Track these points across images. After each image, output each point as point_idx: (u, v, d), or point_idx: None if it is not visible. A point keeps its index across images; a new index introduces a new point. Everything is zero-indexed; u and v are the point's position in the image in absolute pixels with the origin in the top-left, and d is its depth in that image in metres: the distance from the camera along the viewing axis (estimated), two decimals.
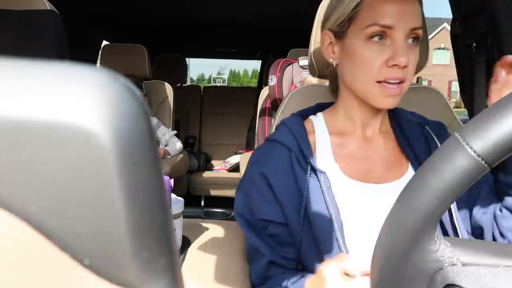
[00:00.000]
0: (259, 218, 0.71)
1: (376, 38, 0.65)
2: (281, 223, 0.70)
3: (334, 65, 0.73)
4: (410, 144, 0.74)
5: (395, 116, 0.78)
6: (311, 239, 0.67)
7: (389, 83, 0.65)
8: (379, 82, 0.65)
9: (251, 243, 0.74)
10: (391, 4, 0.63)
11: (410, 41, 0.65)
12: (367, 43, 0.65)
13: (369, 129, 0.75)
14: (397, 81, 0.65)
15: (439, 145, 0.74)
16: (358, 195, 0.69)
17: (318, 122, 0.77)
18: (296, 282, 0.66)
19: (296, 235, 0.68)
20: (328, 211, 0.66)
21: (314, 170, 0.68)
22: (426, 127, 0.76)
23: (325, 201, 0.66)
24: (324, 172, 0.68)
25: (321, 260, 0.66)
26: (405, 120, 0.77)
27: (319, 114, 0.79)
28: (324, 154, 0.72)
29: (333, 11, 0.70)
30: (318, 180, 0.67)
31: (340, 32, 0.69)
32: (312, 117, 0.79)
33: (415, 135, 0.75)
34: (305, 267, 0.70)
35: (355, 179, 0.70)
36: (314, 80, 1.64)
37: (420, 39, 0.67)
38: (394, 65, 0.64)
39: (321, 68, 0.92)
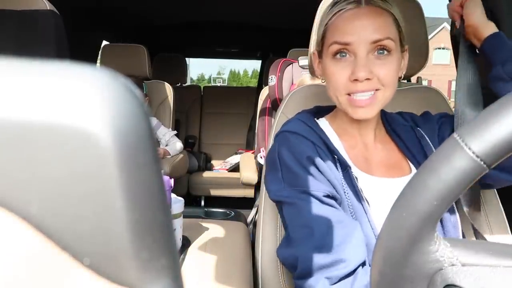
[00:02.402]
0: (304, 191, 0.67)
1: (338, 56, 0.69)
2: (336, 199, 0.68)
3: (322, 81, 0.79)
4: (408, 147, 0.78)
5: (389, 122, 0.82)
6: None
7: (356, 94, 0.69)
8: (348, 94, 0.69)
9: (303, 219, 0.65)
10: (350, 22, 0.68)
11: (376, 53, 0.68)
12: (333, 60, 0.70)
13: (364, 136, 0.79)
14: (365, 93, 0.68)
15: (431, 145, 0.78)
16: (376, 189, 0.72)
17: (324, 125, 0.80)
18: None
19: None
20: (361, 203, 0.69)
21: (341, 164, 0.71)
22: (418, 128, 0.80)
23: (357, 194, 0.69)
24: (351, 167, 0.71)
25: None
26: (398, 125, 0.81)
27: (322, 119, 0.82)
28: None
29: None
30: (349, 173, 0.71)
31: (320, 52, 0.75)
32: (317, 120, 0.81)
33: (410, 138, 0.79)
34: None
35: (370, 174, 0.74)
36: (308, 81, 1.64)
37: (390, 49, 0.68)
38: (356, 79, 0.67)
39: None
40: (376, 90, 0.68)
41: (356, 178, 0.71)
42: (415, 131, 0.80)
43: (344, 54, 0.69)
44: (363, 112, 0.69)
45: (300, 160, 0.70)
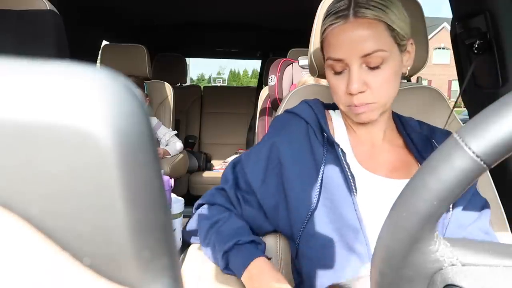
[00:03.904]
0: (243, 168, 0.80)
1: (335, 69, 0.71)
2: (252, 191, 0.78)
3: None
4: (420, 154, 0.78)
5: (404, 126, 0.82)
6: (326, 205, 0.72)
7: (355, 106, 0.71)
8: (348, 106, 0.72)
9: (225, 173, 0.82)
10: (338, 38, 0.68)
11: (360, 69, 0.68)
12: (331, 73, 0.72)
13: (372, 135, 0.79)
14: (363, 104, 0.70)
15: None
16: (378, 187, 0.73)
17: (336, 116, 0.83)
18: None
19: (309, 203, 0.72)
20: (346, 178, 0.71)
21: (330, 143, 0.75)
22: (433, 140, 0.79)
23: (343, 171, 0.72)
24: (339, 145, 0.74)
25: (336, 222, 0.70)
26: (414, 131, 0.81)
27: (338, 111, 0.84)
28: (341, 143, 0.77)
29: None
30: (336, 152, 0.74)
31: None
32: (330, 111, 0.85)
33: (424, 146, 0.78)
34: (308, 235, 0.72)
35: (368, 170, 0.75)
36: (311, 80, 1.64)
37: (382, 59, 0.67)
38: (350, 93, 0.69)
39: (321, 68, 0.92)
40: (371, 103, 0.70)
41: (345, 153, 0.74)
42: (431, 142, 0.79)
43: (339, 69, 0.70)
44: (365, 116, 0.72)
45: (264, 140, 0.79)
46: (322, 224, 0.71)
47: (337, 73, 0.71)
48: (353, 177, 0.71)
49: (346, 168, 0.72)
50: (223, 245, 0.73)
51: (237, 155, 3.27)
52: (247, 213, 0.79)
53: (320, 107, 0.81)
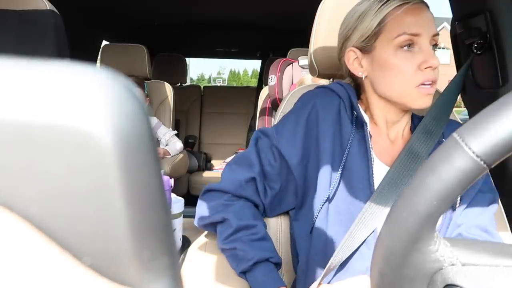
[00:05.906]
0: (273, 144, 0.78)
1: (406, 47, 0.71)
2: (284, 170, 0.77)
3: (363, 78, 0.78)
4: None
5: (415, 124, 0.83)
6: (346, 184, 0.73)
7: (424, 84, 0.71)
8: (417, 86, 0.71)
9: (248, 153, 0.80)
10: (414, 15, 0.70)
11: (431, 47, 0.71)
12: (397, 52, 0.71)
13: (393, 130, 0.80)
14: (431, 82, 0.71)
15: None
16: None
17: (360, 109, 0.83)
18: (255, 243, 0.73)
19: (332, 179, 0.74)
20: (367, 160, 0.73)
21: (359, 123, 0.77)
22: (443, 140, 0.79)
23: (367, 152, 0.74)
24: (368, 125, 0.76)
25: (350, 202, 0.72)
26: None
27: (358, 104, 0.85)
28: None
29: (354, 30, 0.76)
30: (364, 132, 0.75)
31: (366, 47, 0.74)
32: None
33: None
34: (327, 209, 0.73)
35: (384, 163, 0.77)
36: (309, 81, 1.64)
37: (437, 46, 0.73)
38: (428, 67, 0.69)
39: (321, 68, 0.92)
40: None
41: (370, 136, 0.76)
42: (439, 142, 0.78)
43: (410, 46, 0.71)
44: (429, 99, 0.72)
45: (299, 117, 0.78)
46: (339, 202, 0.73)
47: (407, 51, 0.71)
48: (373, 160, 0.74)
49: (371, 149, 0.74)
50: (246, 261, 0.72)
51: (237, 155, 3.27)
52: (268, 200, 0.79)
53: (352, 89, 0.81)
